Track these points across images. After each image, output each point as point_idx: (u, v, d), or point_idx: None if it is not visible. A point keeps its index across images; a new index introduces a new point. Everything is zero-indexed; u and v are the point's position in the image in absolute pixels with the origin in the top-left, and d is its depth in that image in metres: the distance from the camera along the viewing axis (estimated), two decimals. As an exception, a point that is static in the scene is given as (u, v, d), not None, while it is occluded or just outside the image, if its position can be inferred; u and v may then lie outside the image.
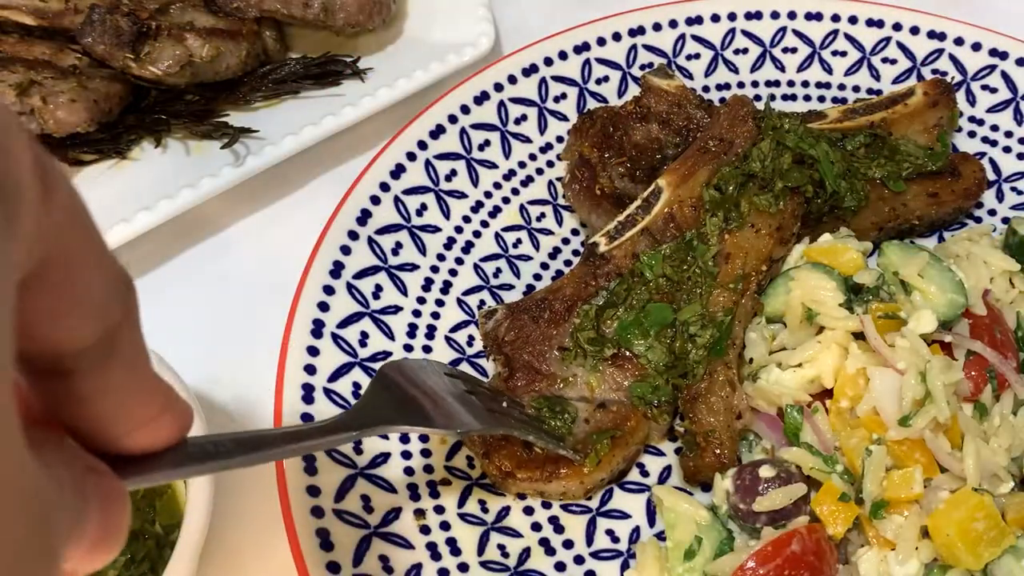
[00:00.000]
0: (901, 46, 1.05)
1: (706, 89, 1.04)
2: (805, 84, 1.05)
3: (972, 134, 1.00)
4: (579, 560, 0.74)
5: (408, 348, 0.83)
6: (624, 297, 0.81)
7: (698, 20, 1.07)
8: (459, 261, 0.90)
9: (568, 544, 0.75)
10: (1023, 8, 1.13)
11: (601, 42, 1.04)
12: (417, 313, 0.86)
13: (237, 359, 0.86)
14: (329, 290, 0.83)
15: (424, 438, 0.79)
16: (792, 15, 1.07)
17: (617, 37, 1.05)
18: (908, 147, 0.92)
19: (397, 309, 0.85)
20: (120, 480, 0.35)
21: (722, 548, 0.73)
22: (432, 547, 0.73)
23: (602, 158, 0.91)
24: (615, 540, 0.76)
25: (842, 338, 0.77)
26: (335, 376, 0.79)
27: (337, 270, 0.85)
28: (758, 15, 1.07)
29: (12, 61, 0.94)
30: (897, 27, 1.06)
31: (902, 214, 0.90)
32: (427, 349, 0.84)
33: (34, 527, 0.26)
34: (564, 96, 1.02)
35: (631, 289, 0.81)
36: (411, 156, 0.93)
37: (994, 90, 1.02)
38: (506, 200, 0.95)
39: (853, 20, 1.06)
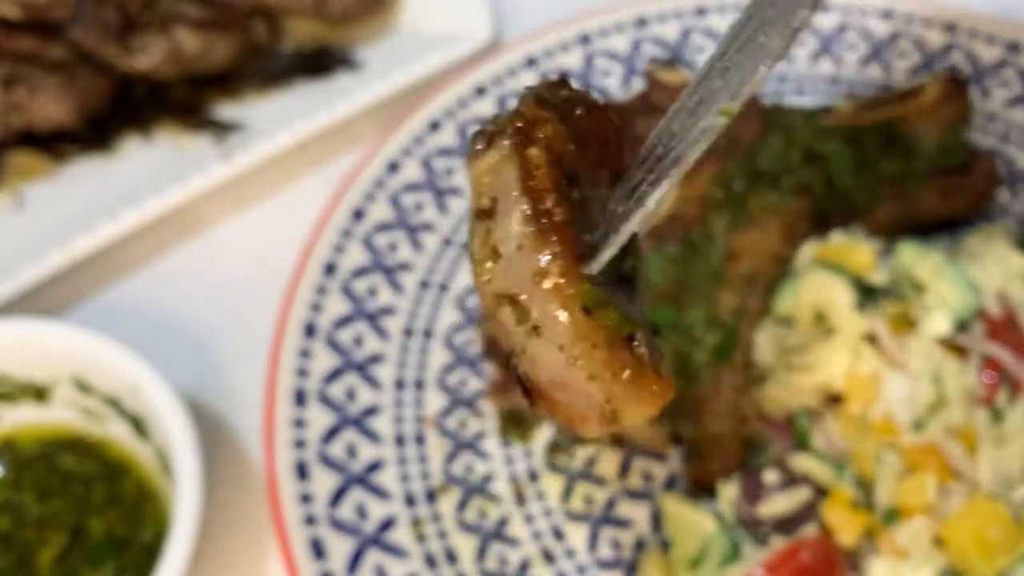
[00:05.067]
0: (913, 39, 1.03)
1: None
2: (814, 78, 1.02)
3: (986, 130, 0.98)
4: (581, 569, 0.73)
5: (404, 350, 0.81)
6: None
7: (704, 11, 1.04)
8: (457, 260, 0.88)
9: (570, 553, 0.74)
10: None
11: (604, 34, 1.02)
12: (414, 314, 0.84)
13: (227, 361, 0.84)
14: (322, 290, 0.81)
15: (421, 440, 0.77)
16: (800, 7, 1.05)
17: (620, 28, 1.02)
18: (922, 144, 0.90)
19: (393, 310, 0.83)
20: None
21: (728, 557, 0.71)
22: (429, 556, 0.71)
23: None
24: (619, 549, 0.74)
25: (853, 341, 0.75)
26: (329, 379, 0.77)
27: (331, 270, 0.83)
28: (765, 6, 1.05)
29: (-3, 54, 0.92)
30: (909, 19, 1.03)
31: (914, 212, 0.88)
32: (424, 351, 0.82)
33: None
34: (566, 90, 0.99)
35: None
36: (407, 152, 0.91)
37: (1009, 85, 0.99)
38: (506, 197, 0.92)
39: (864, 12, 1.04)
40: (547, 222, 0.35)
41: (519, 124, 0.36)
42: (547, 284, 0.34)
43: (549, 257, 0.34)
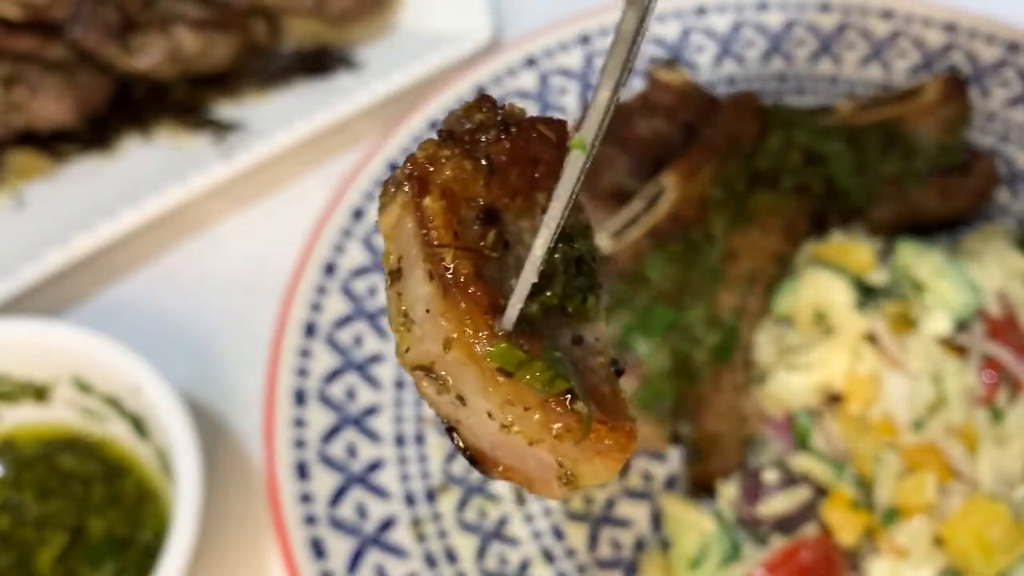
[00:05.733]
0: (913, 39, 1.03)
1: (713, 83, 1.02)
2: (814, 78, 1.02)
3: (986, 130, 0.98)
4: (581, 569, 0.73)
5: (405, 350, 0.81)
6: (628, 298, 0.79)
7: (704, 11, 1.04)
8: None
9: (570, 553, 0.73)
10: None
11: (604, 33, 1.02)
12: (414, 313, 0.84)
13: (227, 361, 0.84)
14: (322, 290, 0.81)
15: (421, 440, 0.77)
16: (802, 6, 1.05)
17: (620, 29, 1.02)
18: (922, 144, 0.90)
19: (393, 309, 0.83)
20: None
21: (729, 557, 0.71)
22: (429, 556, 0.71)
23: (605, 155, 0.88)
24: (618, 548, 0.74)
25: (853, 340, 0.75)
26: (329, 379, 0.77)
27: (331, 269, 0.82)
28: (766, 6, 1.05)
29: (-3, 54, 0.92)
30: (909, 19, 1.03)
31: (914, 212, 0.88)
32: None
33: None
34: (565, 90, 0.99)
35: (635, 290, 0.79)
36: (407, 152, 0.91)
37: (1009, 85, 0.99)
38: (506, 197, 0.92)
39: (864, 12, 1.04)
40: (450, 279, 0.30)
41: (412, 172, 0.31)
42: (457, 351, 0.30)
43: (455, 320, 0.30)
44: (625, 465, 0.78)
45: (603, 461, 0.31)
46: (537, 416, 0.30)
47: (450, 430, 0.33)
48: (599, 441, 0.30)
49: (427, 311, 0.31)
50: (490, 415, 0.31)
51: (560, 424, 0.30)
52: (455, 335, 0.30)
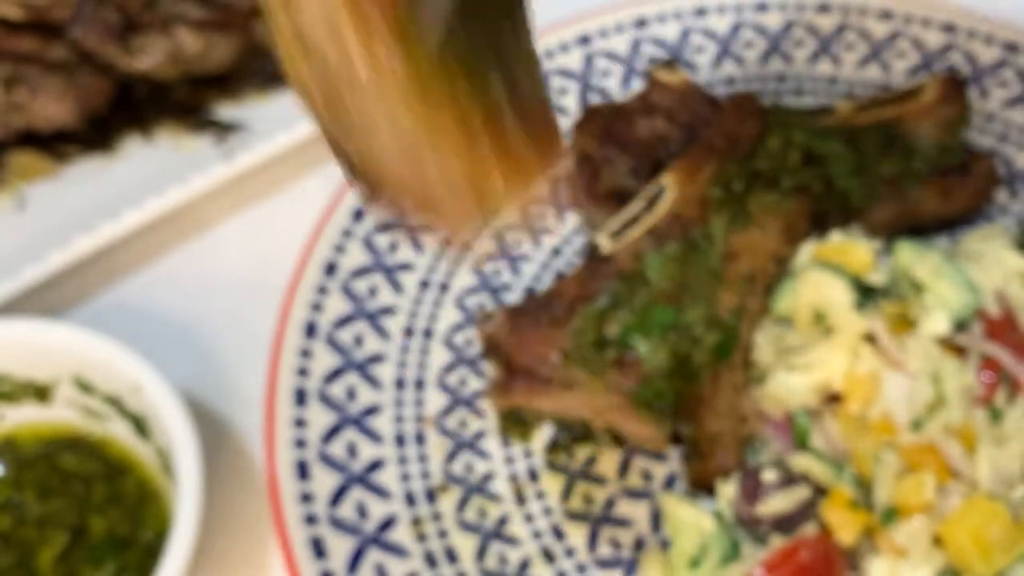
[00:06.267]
0: (912, 39, 1.03)
1: (712, 84, 1.02)
2: (813, 79, 1.03)
3: (985, 130, 0.98)
4: (581, 568, 0.73)
5: (404, 349, 0.82)
6: (627, 298, 0.79)
7: (704, 12, 1.04)
8: (458, 261, 0.88)
9: (570, 552, 0.74)
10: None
11: (603, 34, 1.02)
12: (414, 314, 0.84)
13: (227, 361, 0.84)
14: (323, 290, 0.81)
15: (421, 440, 0.77)
16: (801, 7, 1.05)
17: (620, 29, 1.03)
18: (921, 144, 0.90)
19: (393, 310, 0.83)
20: None
21: (728, 556, 0.71)
22: (429, 555, 0.71)
23: (605, 155, 0.89)
24: (618, 548, 0.74)
25: (852, 340, 0.75)
26: (329, 379, 0.78)
27: (331, 269, 0.83)
28: (765, 7, 1.05)
29: (-2, 54, 0.92)
30: (908, 20, 1.03)
31: (913, 213, 0.88)
32: (424, 351, 0.82)
33: None
34: (565, 91, 1.00)
35: (634, 290, 0.80)
36: (408, 152, 0.91)
37: (1008, 85, 1.00)
38: (506, 197, 0.93)
39: (862, 12, 1.04)
40: None
41: None
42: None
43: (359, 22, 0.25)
44: (625, 464, 0.79)
45: (517, 167, 0.26)
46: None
47: (343, 157, 0.28)
48: (517, 147, 0.25)
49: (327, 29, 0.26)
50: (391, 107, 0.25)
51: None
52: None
